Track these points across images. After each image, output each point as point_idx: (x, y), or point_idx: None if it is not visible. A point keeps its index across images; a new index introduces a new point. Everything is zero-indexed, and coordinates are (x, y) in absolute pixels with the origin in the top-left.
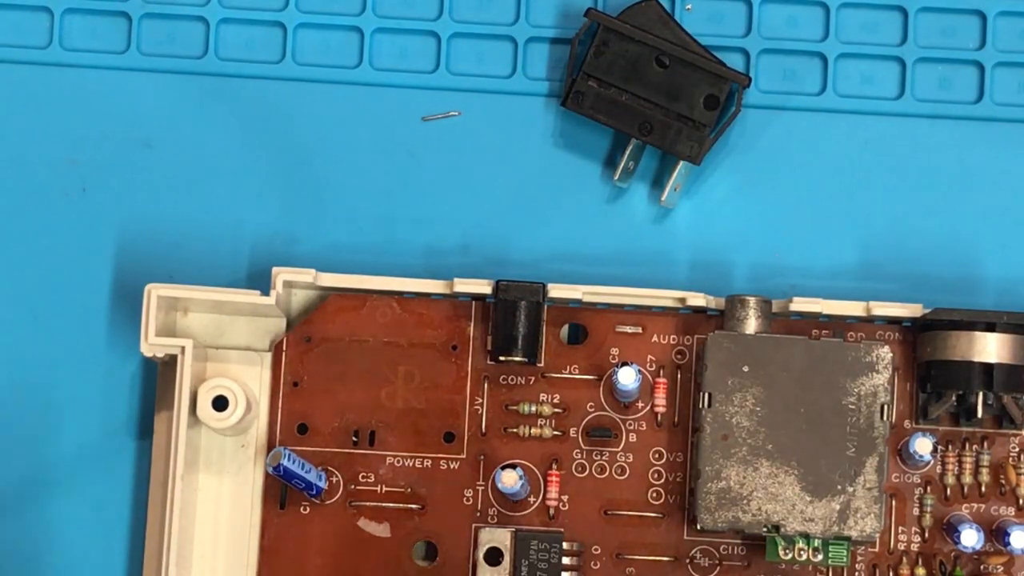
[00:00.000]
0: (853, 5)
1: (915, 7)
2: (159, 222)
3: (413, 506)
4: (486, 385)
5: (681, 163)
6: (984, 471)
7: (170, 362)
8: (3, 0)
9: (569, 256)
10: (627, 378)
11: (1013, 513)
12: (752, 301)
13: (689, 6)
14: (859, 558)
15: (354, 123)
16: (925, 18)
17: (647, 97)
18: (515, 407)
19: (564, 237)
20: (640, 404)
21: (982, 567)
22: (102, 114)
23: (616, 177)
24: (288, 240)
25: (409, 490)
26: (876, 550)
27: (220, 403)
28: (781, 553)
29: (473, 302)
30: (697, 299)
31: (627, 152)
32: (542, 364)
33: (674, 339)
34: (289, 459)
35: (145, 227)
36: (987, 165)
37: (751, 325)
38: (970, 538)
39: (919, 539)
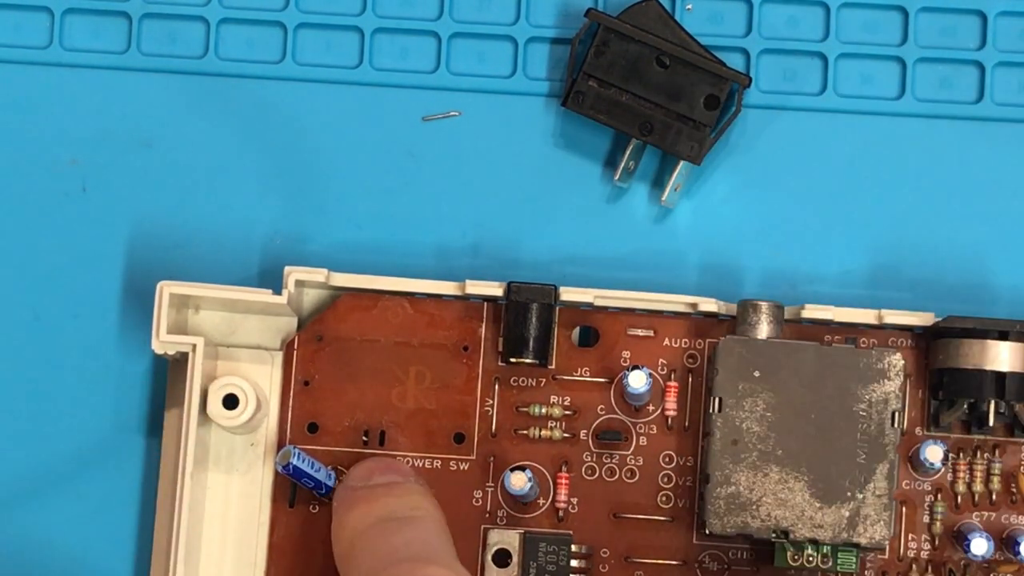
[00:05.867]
0: (853, 5)
1: (915, 7)
2: (161, 222)
3: None
4: (497, 387)
5: (681, 163)
6: (995, 479)
7: (181, 360)
8: (3, 0)
9: (570, 257)
10: (638, 381)
11: None
12: (764, 306)
13: (689, 6)
14: (868, 565)
15: (354, 123)
16: (925, 18)
17: (647, 97)
18: (525, 409)
19: (564, 237)
20: (651, 407)
21: None
22: (102, 114)
23: (616, 177)
24: (293, 240)
25: None
26: (885, 557)
27: (230, 401)
28: (790, 559)
29: (485, 303)
30: (709, 304)
31: (627, 152)
32: (553, 366)
33: (685, 343)
34: (299, 458)
35: (147, 227)
36: (988, 166)
37: (763, 330)
38: (980, 547)
39: (929, 547)
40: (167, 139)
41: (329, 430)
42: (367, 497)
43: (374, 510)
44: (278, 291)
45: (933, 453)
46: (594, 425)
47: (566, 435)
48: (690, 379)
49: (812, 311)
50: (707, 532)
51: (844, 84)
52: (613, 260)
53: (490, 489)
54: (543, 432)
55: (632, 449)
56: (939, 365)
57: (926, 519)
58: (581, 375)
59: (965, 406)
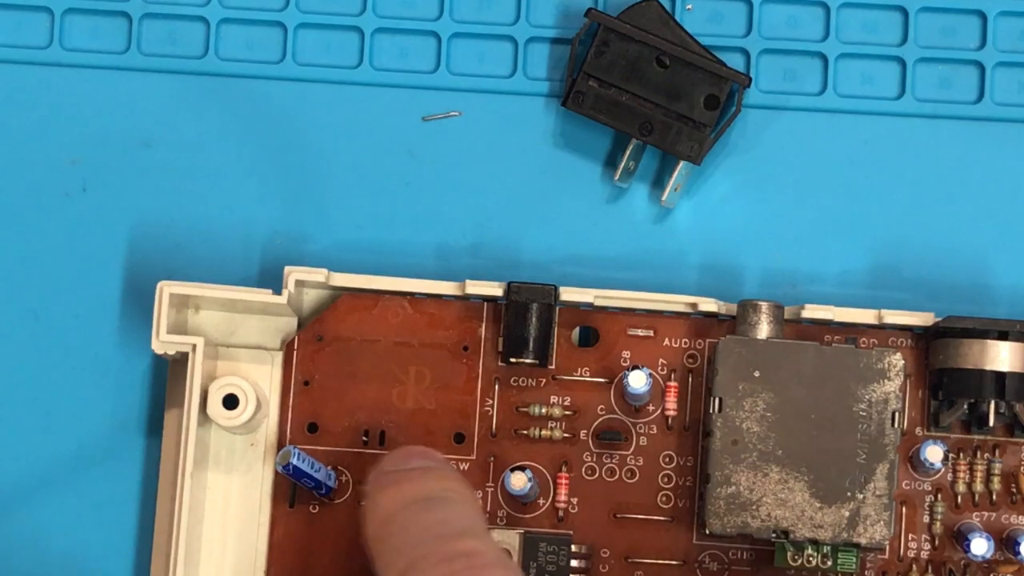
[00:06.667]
0: (853, 5)
1: (915, 7)
2: (161, 222)
3: None
4: (497, 387)
5: (681, 163)
6: (995, 479)
7: (181, 360)
8: (3, 0)
9: (570, 257)
10: (638, 381)
11: None
12: (764, 306)
13: (689, 6)
14: (868, 565)
15: (354, 123)
16: (925, 18)
17: (647, 97)
18: (525, 409)
19: (564, 237)
20: (651, 408)
21: None
22: (102, 114)
23: (616, 177)
24: (293, 240)
25: None
26: (885, 557)
27: (230, 401)
28: (790, 559)
29: (485, 303)
30: (709, 304)
31: (627, 152)
32: (553, 366)
33: (686, 343)
34: (299, 458)
35: (147, 227)
36: (988, 166)
37: (763, 330)
38: (980, 547)
39: (929, 547)
40: (167, 139)
41: (329, 430)
42: (402, 479)
43: (408, 491)
44: (278, 291)
45: (933, 453)
46: (594, 425)
47: (566, 435)
48: (690, 379)
49: (812, 311)
50: (707, 532)
51: (844, 84)
52: (613, 260)
53: (490, 489)
54: (543, 432)
55: (632, 449)
56: (939, 365)
57: (926, 519)
58: (581, 375)
59: (965, 406)
